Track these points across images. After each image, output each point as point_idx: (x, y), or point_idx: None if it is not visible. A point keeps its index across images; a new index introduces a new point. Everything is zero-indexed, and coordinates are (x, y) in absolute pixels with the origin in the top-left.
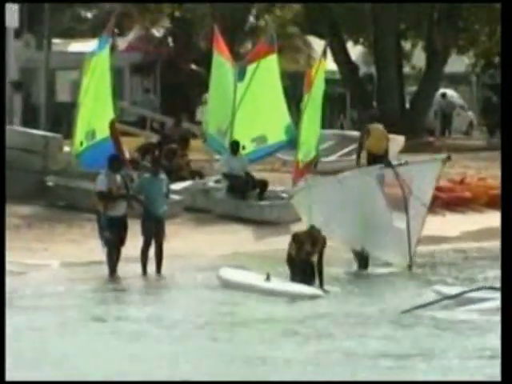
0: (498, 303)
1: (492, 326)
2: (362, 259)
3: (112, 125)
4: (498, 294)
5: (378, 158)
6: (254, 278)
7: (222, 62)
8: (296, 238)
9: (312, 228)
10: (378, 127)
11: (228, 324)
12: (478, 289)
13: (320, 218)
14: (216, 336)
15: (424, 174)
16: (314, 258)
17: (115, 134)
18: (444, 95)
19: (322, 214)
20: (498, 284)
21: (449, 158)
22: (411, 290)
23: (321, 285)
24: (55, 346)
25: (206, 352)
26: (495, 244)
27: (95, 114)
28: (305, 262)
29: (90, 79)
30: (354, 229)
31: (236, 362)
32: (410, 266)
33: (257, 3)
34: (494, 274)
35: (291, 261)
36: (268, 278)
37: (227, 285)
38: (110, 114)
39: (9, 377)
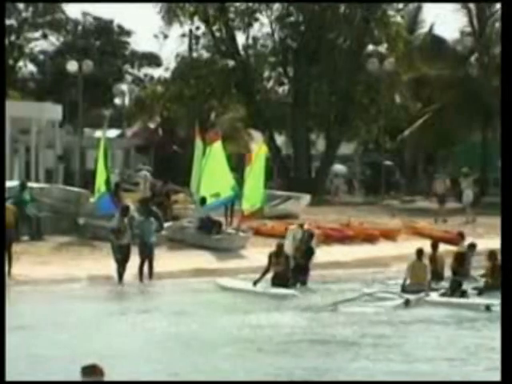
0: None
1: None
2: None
3: (108, 183)
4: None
5: None
6: (244, 284)
7: (200, 146)
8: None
9: (277, 244)
10: None
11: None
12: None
13: None
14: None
15: None
16: (279, 269)
17: (112, 190)
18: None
19: None
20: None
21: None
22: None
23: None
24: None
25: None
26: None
27: (99, 176)
28: (275, 272)
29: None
30: None
31: None
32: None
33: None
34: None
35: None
36: (255, 284)
37: (224, 289)
38: (104, 176)
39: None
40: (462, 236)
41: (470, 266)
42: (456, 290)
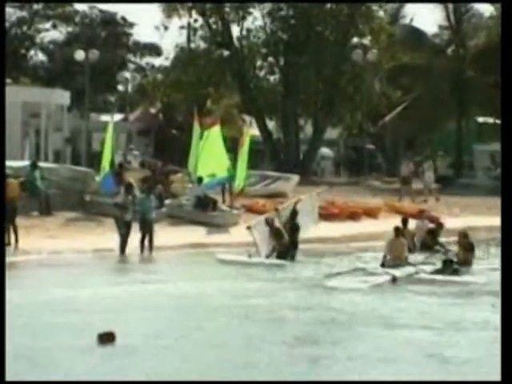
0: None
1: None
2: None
3: (112, 164)
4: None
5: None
6: (241, 257)
7: (197, 130)
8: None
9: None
10: None
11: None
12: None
13: None
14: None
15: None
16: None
17: (116, 170)
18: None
19: None
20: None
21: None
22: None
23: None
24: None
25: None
26: (362, 240)
27: (105, 157)
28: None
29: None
30: None
31: None
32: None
33: (210, 96)
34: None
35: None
36: (250, 256)
37: (223, 262)
38: (109, 157)
39: None
40: (421, 213)
41: (437, 241)
42: (448, 267)
